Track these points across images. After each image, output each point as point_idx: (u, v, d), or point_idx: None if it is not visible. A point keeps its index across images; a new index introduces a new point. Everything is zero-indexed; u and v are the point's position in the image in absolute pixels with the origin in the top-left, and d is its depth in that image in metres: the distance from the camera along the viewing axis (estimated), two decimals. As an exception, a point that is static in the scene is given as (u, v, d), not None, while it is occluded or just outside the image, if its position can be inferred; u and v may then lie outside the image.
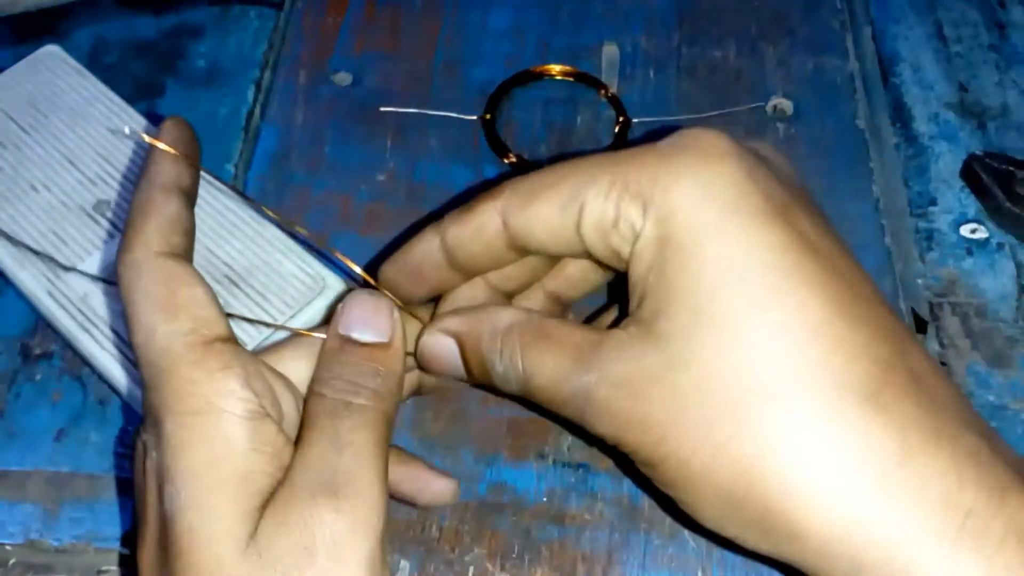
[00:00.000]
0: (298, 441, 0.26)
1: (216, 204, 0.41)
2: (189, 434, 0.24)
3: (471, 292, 0.30)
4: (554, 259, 0.31)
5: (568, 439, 0.38)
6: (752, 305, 0.23)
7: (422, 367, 0.31)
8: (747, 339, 0.23)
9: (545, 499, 0.37)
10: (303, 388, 0.28)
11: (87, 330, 0.37)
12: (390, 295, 0.29)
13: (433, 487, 0.33)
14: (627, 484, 0.37)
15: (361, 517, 0.24)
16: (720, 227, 0.24)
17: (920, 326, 0.42)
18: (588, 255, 0.27)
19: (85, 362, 0.39)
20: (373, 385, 0.27)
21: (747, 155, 0.25)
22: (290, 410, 0.27)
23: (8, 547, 0.36)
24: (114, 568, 0.36)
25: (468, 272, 0.29)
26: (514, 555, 0.36)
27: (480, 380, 0.30)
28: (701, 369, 0.23)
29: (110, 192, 0.41)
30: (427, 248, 0.29)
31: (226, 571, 0.23)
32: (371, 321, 0.27)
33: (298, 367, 0.28)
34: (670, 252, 0.24)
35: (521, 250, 0.28)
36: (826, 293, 0.23)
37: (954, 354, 0.41)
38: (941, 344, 0.41)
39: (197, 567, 0.23)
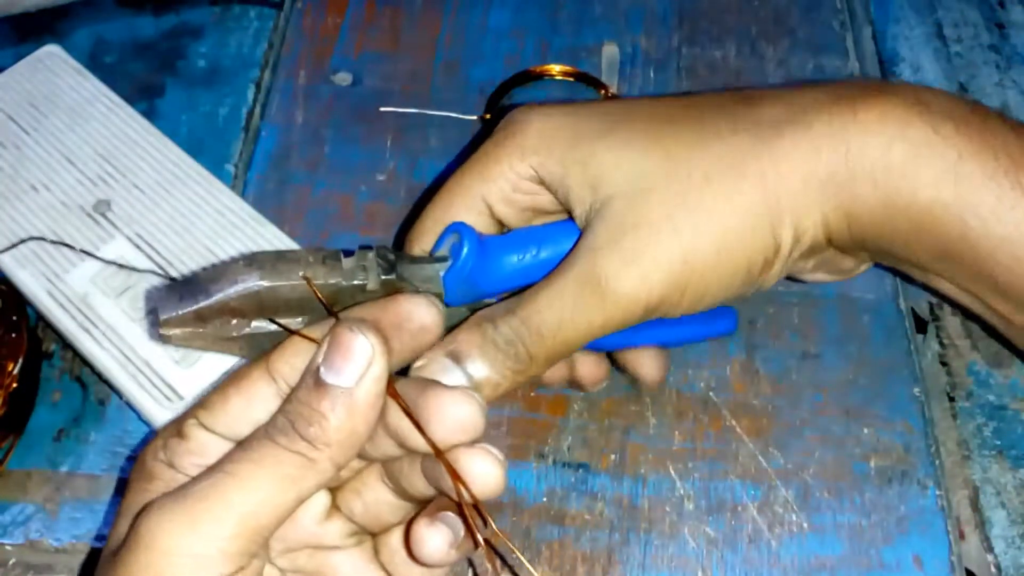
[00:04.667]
0: None
1: (216, 204, 0.41)
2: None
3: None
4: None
5: (568, 439, 0.38)
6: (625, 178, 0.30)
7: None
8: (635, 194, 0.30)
9: (545, 499, 0.37)
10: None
11: (87, 330, 0.37)
12: (375, 338, 0.25)
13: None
14: (627, 484, 0.37)
15: (186, 546, 0.24)
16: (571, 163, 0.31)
17: (920, 326, 0.42)
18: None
19: (85, 362, 0.39)
20: (308, 432, 0.25)
21: (547, 104, 0.33)
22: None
23: (8, 547, 0.36)
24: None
25: None
26: (514, 555, 0.36)
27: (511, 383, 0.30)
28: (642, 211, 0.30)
29: (110, 192, 0.41)
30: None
31: (104, 557, 0.26)
32: (337, 363, 0.25)
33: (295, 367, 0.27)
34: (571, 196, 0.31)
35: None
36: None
37: (954, 354, 0.41)
38: (941, 344, 0.42)
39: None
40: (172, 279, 0.36)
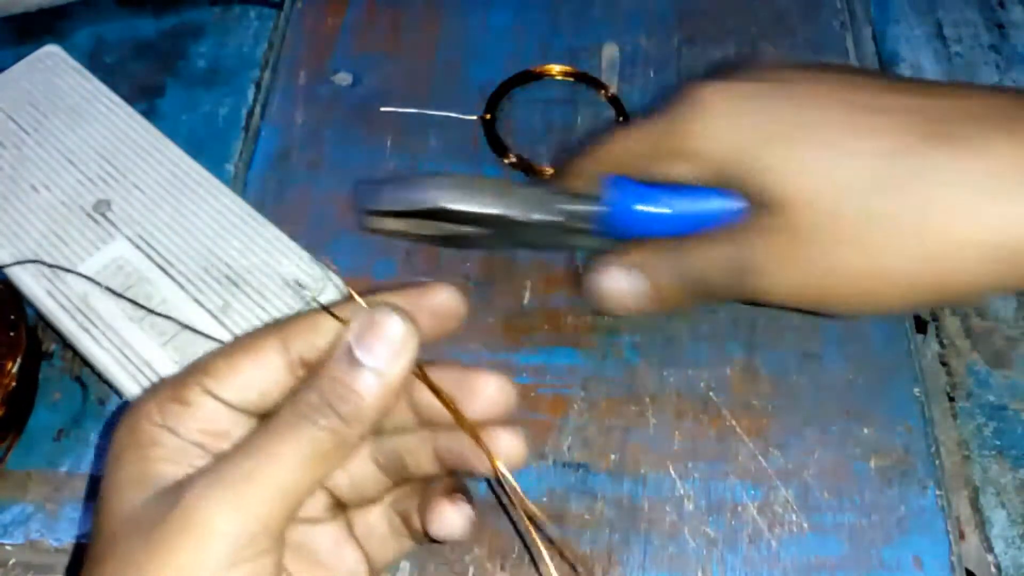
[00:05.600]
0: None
1: (216, 204, 0.41)
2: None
3: None
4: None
5: (568, 439, 0.38)
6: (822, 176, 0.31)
7: (606, 307, 0.37)
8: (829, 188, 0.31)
9: (545, 499, 0.37)
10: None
11: (87, 330, 0.37)
12: (407, 315, 0.26)
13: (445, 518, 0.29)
14: (627, 484, 0.37)
15: (232, 525, 0.24)
16: (766, 150, 0.32)
17: (920, 326, 0.42)
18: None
19: (85, 362, 0.39)
20: (343, 410, 0.25)
21: (733, 84, 0.35)
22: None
23: (8, 547, 0.36)
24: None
25: None
26: (514, 555, 0.36)
27: (663, 296, 0.36)
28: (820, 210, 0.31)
29: (110, 192, 0.41)
30: None
31: (113, 529, 0.25)
32: (372, 344, 0.26)
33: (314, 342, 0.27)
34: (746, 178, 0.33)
35: None
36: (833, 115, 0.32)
37: (954, 354, 0.41)
38: (941, 344, 0.42)
39: (98, 521, 0.26)
40: (379, 180, 0.42)
